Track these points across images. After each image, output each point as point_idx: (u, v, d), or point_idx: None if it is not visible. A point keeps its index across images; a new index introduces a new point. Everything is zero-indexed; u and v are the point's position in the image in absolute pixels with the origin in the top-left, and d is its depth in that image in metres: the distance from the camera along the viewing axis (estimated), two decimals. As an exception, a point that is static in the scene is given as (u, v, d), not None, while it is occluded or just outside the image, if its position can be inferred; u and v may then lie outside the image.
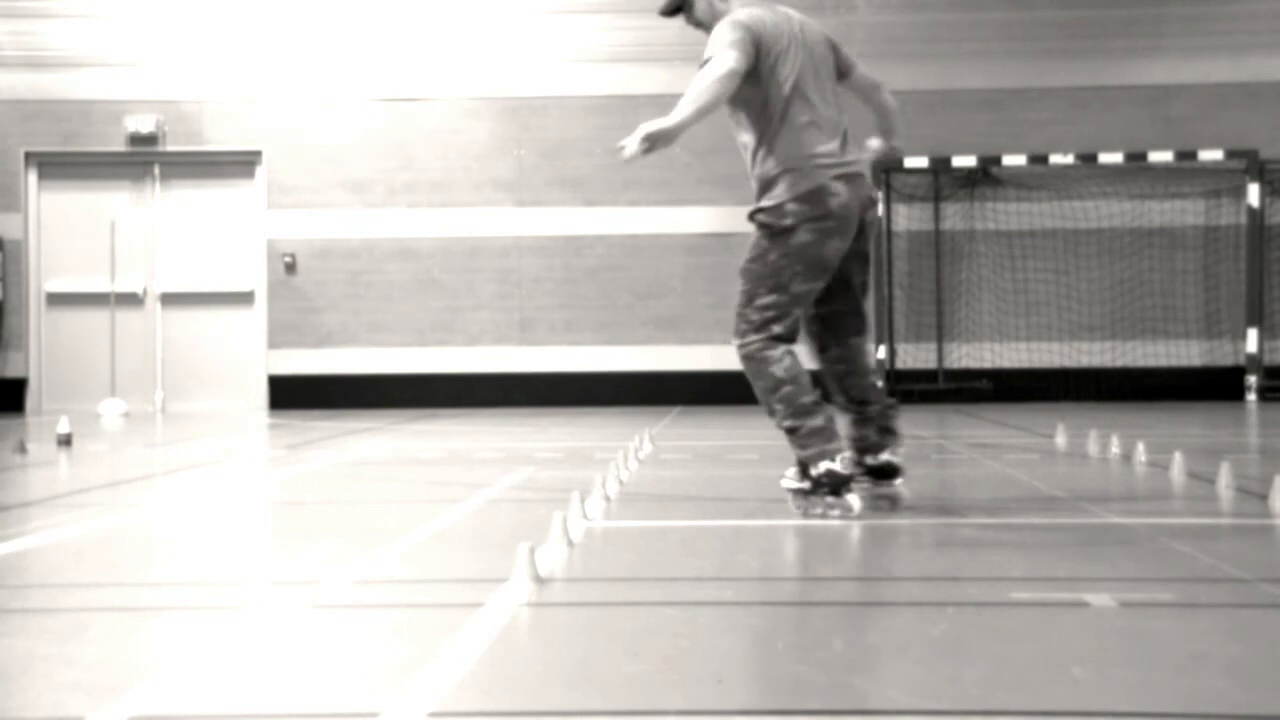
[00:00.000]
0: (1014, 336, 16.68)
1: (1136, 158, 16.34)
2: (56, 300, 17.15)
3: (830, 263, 5.65)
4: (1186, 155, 16.31)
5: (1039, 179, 16.60)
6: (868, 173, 5.88)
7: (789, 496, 5.70)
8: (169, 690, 2.96)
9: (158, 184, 17.18)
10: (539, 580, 3.98)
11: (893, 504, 5.87)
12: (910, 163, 16.43)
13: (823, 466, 5.55)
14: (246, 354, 17.06)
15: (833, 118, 5.77)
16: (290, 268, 16.83)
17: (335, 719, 2.79)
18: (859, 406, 5.91)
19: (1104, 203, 16.63)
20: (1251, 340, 16.19)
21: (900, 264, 16.71)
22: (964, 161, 16.43)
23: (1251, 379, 16.16)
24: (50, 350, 17.15)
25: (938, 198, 16.73)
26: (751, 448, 9.61)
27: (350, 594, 4.08)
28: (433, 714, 2.71)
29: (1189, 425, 11.86)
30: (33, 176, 17.13)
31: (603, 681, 2.98)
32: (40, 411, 16.62)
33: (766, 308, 5.66)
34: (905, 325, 16.71)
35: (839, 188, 5.64)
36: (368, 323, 16.73)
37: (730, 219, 16.72)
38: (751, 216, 5.75)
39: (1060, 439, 9.26)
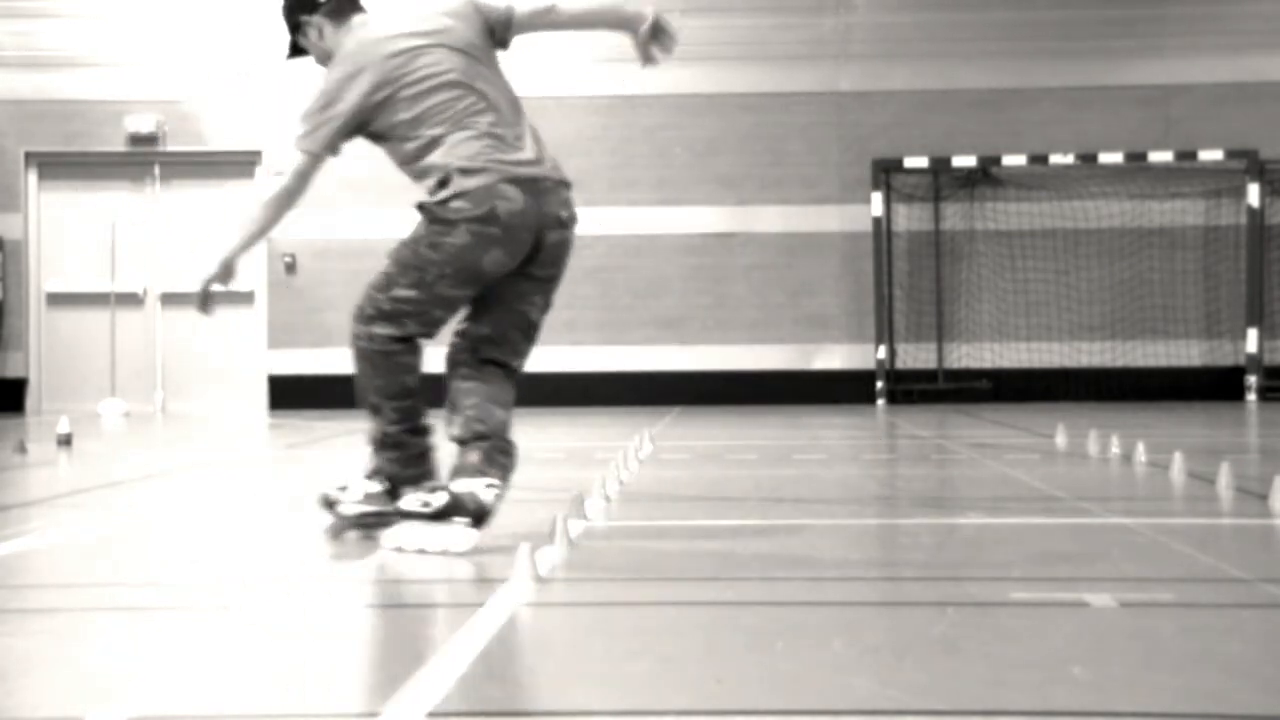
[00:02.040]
0: (1014, 336, 16.68)
1: (1136, 158, 16.35)
2: (56, 300, 17.16)
3: (487, 274, 4.93)
4: (1186, 155, 16.31)
5: (1039, 179, 16.60)
6: (564, 191, 5.05)
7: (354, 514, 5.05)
8: (168, 690, 2.96)
9: (158, 184, 17.18)
10: (539, 580, 3.98)
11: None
12: (910, 163, 16.43)
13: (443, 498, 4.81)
14: (246, 354, 17.06)
15: (508, 113, 5.07)
16: (290, 268, 16.83)
17: (335, 719, 2.79)
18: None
19: (1104, 203, 16.63)
20: (1251, 340, 16.19)
21: (900, 264, 16.71)
22: (964, 161, 16.43)
23: (1251, 379, 16.16)
24: (50, 350, 17.15)
25: (938, 198, 16.73)
26: (751, 448, 9.61)
27: (351, 594, 4.08)
28: (433, 714, 2.71)
29: (1189, 425, 11.86)
30: (33, 176, 17.13)
31: (603, 681, 2.98)
32: (40, 411, 16.62)
33: (403, 301, 5.00)
34: (905, 325, 16.71)
35: (512, 193, 4.89)
36: (368, 323, 16.72)
37: (730, 219, 16.73)
38: (419, 206, 4.99)
39: (1060, 439, 9.26)
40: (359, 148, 5.30)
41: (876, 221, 16.43)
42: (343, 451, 9.76)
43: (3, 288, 16.88)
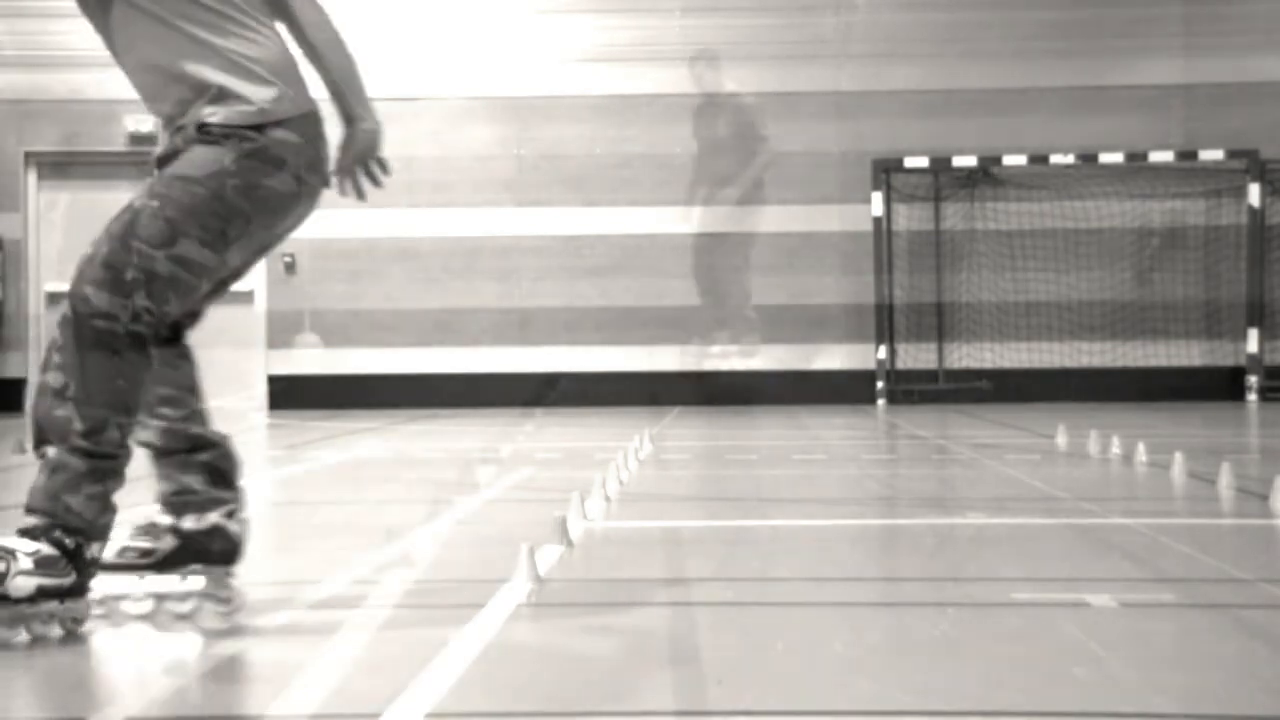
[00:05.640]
0: (1014, 336, 16.67)
1: (1136, 158, 16.34)
2: (56, 300, 17.15)
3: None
4: (1187, 155, 16.31)
5: (1039, 179, 16.59)
6: None
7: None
8: (169, 690, 2.95)
9: (158, 184, 17.18)
10: (539, 580, 3.98)
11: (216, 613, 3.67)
12: (910, 163, 16.43)
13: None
14: (246, 353, 17.06)
15: None
16: (290, 267, 16.82)
17: (335, 719, 2.78)
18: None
19: (1104, 203, 16.62)
20: (1252, 340, 16.19)
21: (900, 264, 16.70)
22: (964, 161, 16.42)
23: (1252, 379, 16.15)
24: (50, 350, 17.14)
25: (938, 198, 16.72)
26: (751, 448, 9.61)
27: (350, 594, 4.08)
28: (432, 714, 2.71)
29: (1189, 425, 11.86)
30: (32, 176, 17.13)
31: (603, 681, 2.98)
32: (40, 411, 16.61)
33: (186, 265, 3.84)
34: (905, 325, 16.70)
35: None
36: (368, 323, 16.72)
37: (731, 219, 16.72)
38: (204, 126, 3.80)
39: (1061, 439, 9.26)
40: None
41: (876, 221, 16.43)
42: (342, 451, 9.75)
43: (2, 288, 16.88)
